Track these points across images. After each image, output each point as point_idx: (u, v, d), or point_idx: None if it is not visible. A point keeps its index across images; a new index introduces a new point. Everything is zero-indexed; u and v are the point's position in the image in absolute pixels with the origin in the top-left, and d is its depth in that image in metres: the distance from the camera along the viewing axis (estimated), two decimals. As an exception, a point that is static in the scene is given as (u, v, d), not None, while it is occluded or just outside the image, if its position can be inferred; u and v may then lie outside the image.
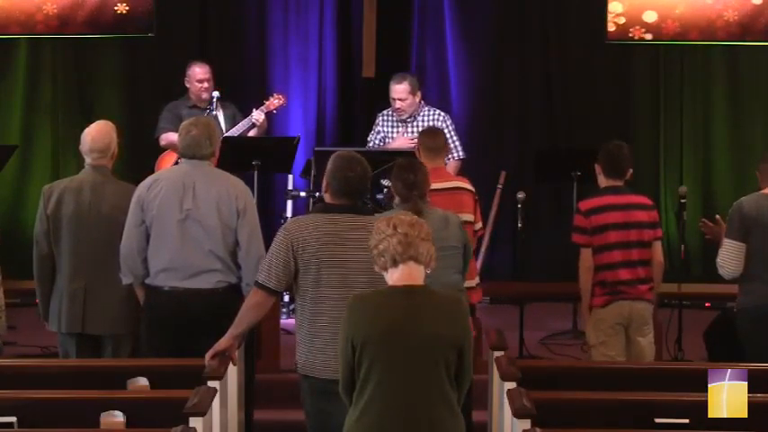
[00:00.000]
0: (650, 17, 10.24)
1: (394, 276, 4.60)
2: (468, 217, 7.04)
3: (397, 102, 8.99)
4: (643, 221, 6.86)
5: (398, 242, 4.56)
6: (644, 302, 6.84)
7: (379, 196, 8.64)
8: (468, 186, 7.20)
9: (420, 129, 8.80)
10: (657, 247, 6.91)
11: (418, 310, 4.53)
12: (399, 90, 8.99)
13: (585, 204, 6.92)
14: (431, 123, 8.94)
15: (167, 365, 5.84)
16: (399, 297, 4.56)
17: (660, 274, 6.93)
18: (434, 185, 6.95)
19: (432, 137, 7.25)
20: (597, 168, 6.97)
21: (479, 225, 7.22)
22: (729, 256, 6.72)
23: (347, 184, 5.51)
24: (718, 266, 6.76)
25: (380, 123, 9.15)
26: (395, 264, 4.58)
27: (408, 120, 9.04)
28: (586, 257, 6.83)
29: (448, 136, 8.74)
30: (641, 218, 6.86)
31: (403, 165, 6.46)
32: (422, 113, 9.05)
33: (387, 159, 8.25)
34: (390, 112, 9.13)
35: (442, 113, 9.09)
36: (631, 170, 6.96)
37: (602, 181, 6.96)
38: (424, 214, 6.21)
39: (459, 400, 4.62)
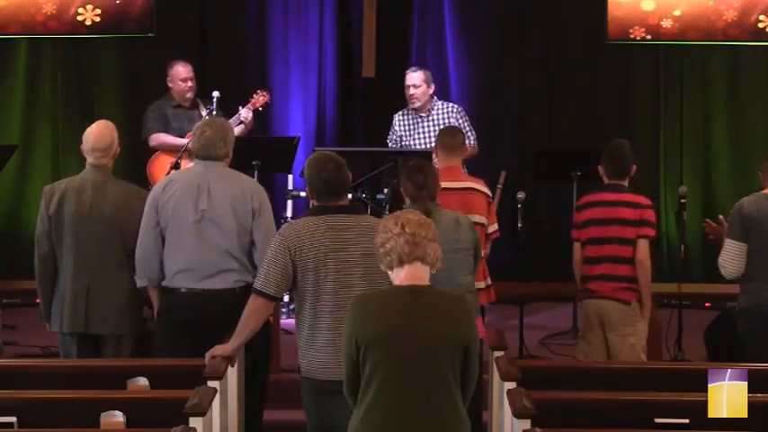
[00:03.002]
0: (650, 17, 10.24)
1: (399, 276, 4.58)
2: (480, 219, 7.04)
3: (411, 88, 9.13)
4: (626, 219, 6.88)
5: (406, 242, 4.53)
6: (612, 302, 6.87)
7: (380, 196, 8.64)
8: (482, 188, 7.20)
9: (435, 122, 9.11)
10: (641, 246, 6.90)
11: (423, 310, 4.51)
12: (414, 77, 9.16)
13: (581, 200, 7.10)
14: (445, 116, 9.16)
15: (167, 365, 5.83)
16: (404, 297, 4.55)
17: (644, 273, 6.89)
18: (447, 185, 6.97)
19: (450, 135, 7.28)
20: (600, 169, 7.01)
21: (494, 227, 7.17)
22: (731, 257, 6.72)
23: (325, 185, 5.52)
24: (720, 267, 6.76)
25: (396, 124, 9.26)
26: (401, 264, 4.56)
27: (423, 114, 9.17)
28: (576, 252, 7.01)
29: (465, 126, 9.06)
30: (625, 215, 6.89)
31: (414, 166, 6.46)
32: (435, 107, 9.21)
33: (386, 160, 8.28)
34: (406, 112, 9.21)
35: (455, 105, 9.28)
36: (635, 167, 7.00)
37: (605, 180, 7.02)
38: (434, 215, 6.23)
39: (465, 401, 4.61)
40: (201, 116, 9.06)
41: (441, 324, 4.50)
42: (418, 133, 9.14)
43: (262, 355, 6.51)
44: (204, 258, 6.18)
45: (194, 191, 6.21)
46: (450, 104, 9.25)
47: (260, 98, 9.29)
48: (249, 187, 6.30)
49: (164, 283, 6.27)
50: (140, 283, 6.33)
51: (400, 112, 9.29)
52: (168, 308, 6.28)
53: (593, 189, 7.14)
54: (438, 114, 9.17)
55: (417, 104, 9.13)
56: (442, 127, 8.97)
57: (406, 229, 4.54)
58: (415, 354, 4.48)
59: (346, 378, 4.61)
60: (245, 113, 9.16)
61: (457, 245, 6.24)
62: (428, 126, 9.11)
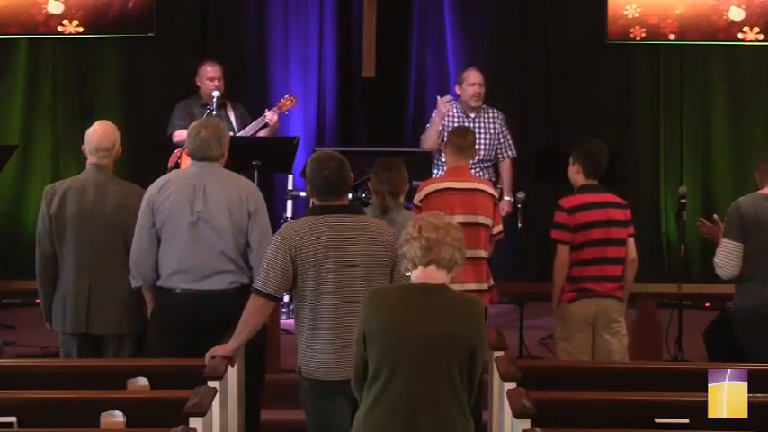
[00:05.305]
0: (650, 17, 10.24)
1: (414, 276, 4.61)
2: (485, 219, 7.07)
3: (477, 86, 9.17)
4: (619, 219, 6.95)
5: (419, 246, 4.55)
6: (612, 300, 6.92)
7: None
8: (489, 189, 7.23)
9: (480, 123, 9.17)
10: (631, 245, 6.99)
11: (432, 308, 4.52)
12: (480, 76, 9.21)
13: (568, 202, 7.01)
14: (490, 120, 9.22)
15: (167, 365, 5.83)
16: (415, 293, 4.57)
17: (633, 271, 7.01)
18: (453, 185, 7.03)
19: (461, 136, 7.30)
20: (575, 167, 7.01)
21: (498, 229, 7.22)
22: (727, 257, 6.73)
23: (325, 183, 5.52)
24: (716, 266, 6.79)
25: (444, 105, 9.26)
26: (415, 266, 4.59)
27: (472, 115, 9.22)
28: (564, 254, 6.93)
29: (507, 135, 9.23)
30: (617, 216, 6.96)
31: (382, 162, 6.63)
32: (481, 110, 9.25)
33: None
34: (456, 102, 9.25)
35: (500, 113, 9.30)
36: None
37: (580, 179, 7.03)
38: (392, 213, 6.30)
39: (469, 401, 4.61)
40: (229, 117, 9.12)
41: (449, 322, 4.50)
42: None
43: (258, 350, 6.50)
44: (200, 259, 6.18)
45: (190, 192, 6.21)
46: (495, 110, 9.28)
47: (287, 102, 9.37)
48: (245, 189, 6.29)
49: (159, 284, 6.27)
50: (135, 283, 6.33)
51: (452, 101, 9.32)
52: (163, 308, 6.27)
53: (568, 192, 7.16)
54: (483, 117, 9.21)
55: (478, 104, 9.18)
56: (486, 130, 9.07)
57: (423, 233, 4.55)
58: (420, 350, 4.48)
59: (354, 372, 4.62)
60: (270, 116, 9.22)
61: None
62: (472, 126, 9.13)
